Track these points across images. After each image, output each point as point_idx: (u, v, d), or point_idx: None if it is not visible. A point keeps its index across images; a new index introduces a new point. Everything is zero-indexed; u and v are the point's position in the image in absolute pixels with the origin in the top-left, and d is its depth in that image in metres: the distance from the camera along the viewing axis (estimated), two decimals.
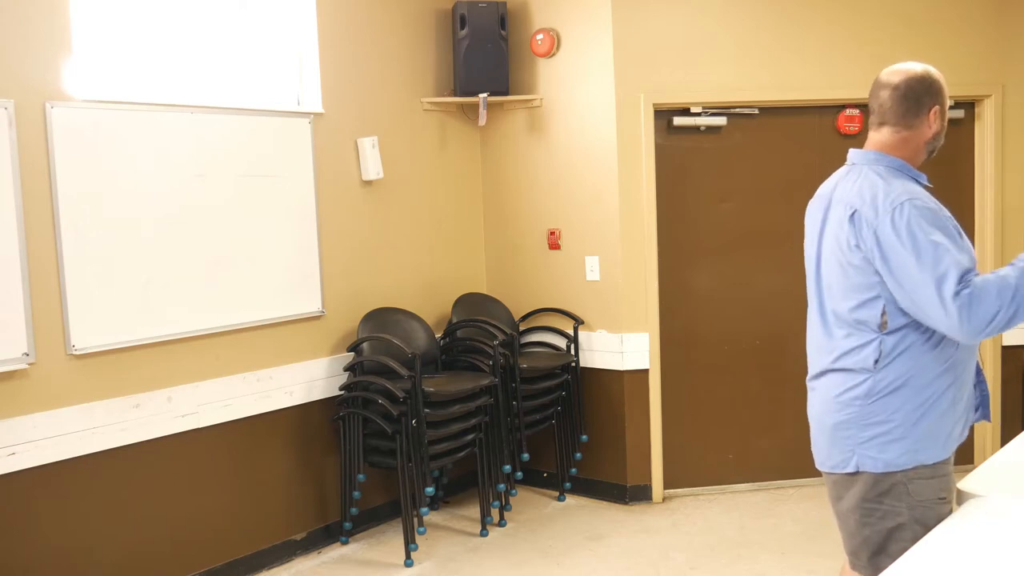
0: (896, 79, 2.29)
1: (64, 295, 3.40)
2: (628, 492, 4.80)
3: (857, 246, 2.21)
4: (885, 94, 2.29)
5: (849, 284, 2.25)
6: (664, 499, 4.81)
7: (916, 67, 2.30)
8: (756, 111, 4.75)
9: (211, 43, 4.04)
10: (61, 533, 3.43)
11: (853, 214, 2.22)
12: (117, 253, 3.56)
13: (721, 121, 4.73)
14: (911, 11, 4.67)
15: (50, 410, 3.37)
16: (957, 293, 2.05)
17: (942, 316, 2.08)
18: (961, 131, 4.79)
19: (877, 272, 2.18)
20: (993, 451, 3.98)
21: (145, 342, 3.65)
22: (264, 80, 4.25)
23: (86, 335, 3.46)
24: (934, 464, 2.21)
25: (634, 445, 4.78)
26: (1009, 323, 2.07)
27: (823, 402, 2.35)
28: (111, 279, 3.54)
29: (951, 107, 4.68)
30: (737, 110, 4.74)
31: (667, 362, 4.79)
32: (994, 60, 4.75)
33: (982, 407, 2.34)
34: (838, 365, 2.29)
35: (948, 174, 4.81)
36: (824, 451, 2.36)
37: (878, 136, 2.31)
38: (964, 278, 2.07)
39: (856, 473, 2.27)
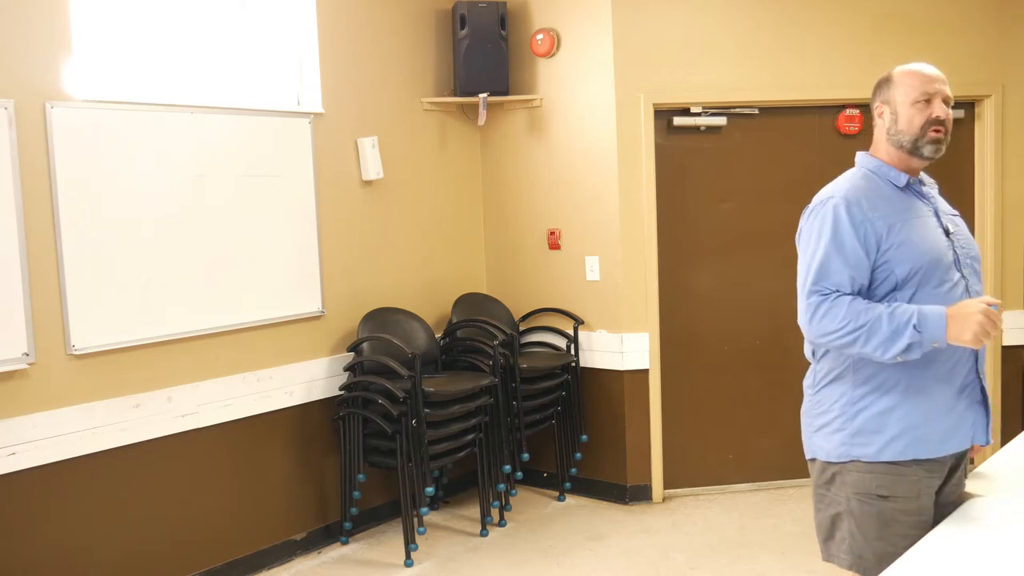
0: None
1: (64, 295, 3.40)
2: (628, 492, 4.80)
3: (797, 243, 2.35)
4: None
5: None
6: (664, 499, 4.81)
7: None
8: (756, 111, 4.75)
9: (211, 43, 4.04)
10: (61, 533, 3.43)
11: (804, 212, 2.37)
12: (117, 253, 3.56)
13: (721, 121, 4.73)
14: (911, 11, 4.67)
15: (50, 410, 3.37)
16: (810, 293, 2.17)
17: (800, 305, 2.19)
18: (961, 131, 4.79)
19: None
20: (993, 451, 3.98)
21: (145, 342, 3.65)
22: (264, 80, 4.25)
23: (86, 335, 3.46)
24: (872, 463, 2.19)
25: (634, 445, 4.78)
26: (844, 347, 2.14)
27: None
28: (111, 279, 3.54)
29: (951, 107, 4.77)
30: (737, 110, 4.74)
31: (667, 362, 4.79)
32: (994, 60, 4.75)
33: (987, 429, 2.27)
34: (806, 355, 2.41)
35: (948, 174, 4.77)
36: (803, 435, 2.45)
37: None
38: (824, 285, 2.15)
39: (813, 460, 2.35)
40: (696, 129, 4.75)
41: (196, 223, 3.81)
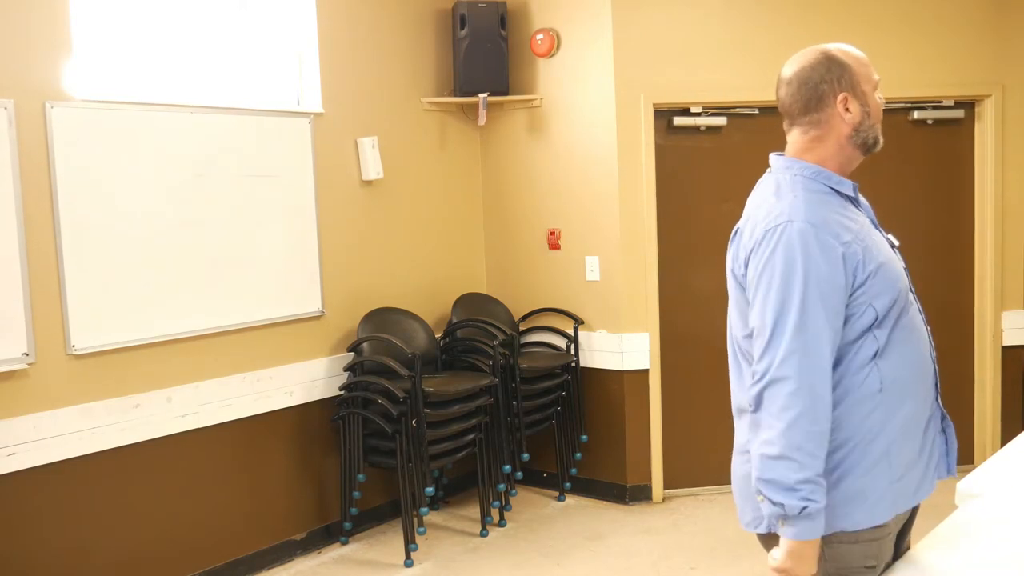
0: (789, 72, 1.91)
1: (64, 295, 3.40)
2: (628, 492, 4.80)
3: (732, 270, 1.91)
4: (782, 92, 1.92)
5: (738, 309, 1.92)
6: (664, 499, 4.81)
7: (813, 52, 1.89)
8: (756, 111, 4.75)
9: (211, 43, 4.04)
10: (61, 533, 3.43)
11: (736, 232, 1.94)
12: (117, 253, 3.56)
13: (721, 121, 4.73)
14: (911, 11, 4.66)
15: (50, 410, 3.37)
16: (759, 379, 1.76)
17: (757, 363, 1.77)
18: (961, 131, 4.78)
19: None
20: (993, 451, 3.98)
21: (145, 342, 3.65)
22: (264, 80, 4.25)
23: (86, 335, 3.46)
24: (858, 531, 1.81)
25: (634, 445, 4.78)
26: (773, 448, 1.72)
27: (735, 447, 1.98)
28: (111, 279, 3.54)
29: (951, 107, 4.78)
30: (737, 110, 4.74)
31: (667, 362, 4.79)
32: (994, 60, 4.74)
33: (950, 459, 1.94)
34: (744, 404, 1.89)
35: (948, 174, 4.81)
36: (738, 504, 1.98)
37: (790, 139, 1.95)
38: (798, 363, 1.72)
39: (773, 535, 1.85)
40: (696, 129, 4.74)
41: (196, 223, 3.81)
